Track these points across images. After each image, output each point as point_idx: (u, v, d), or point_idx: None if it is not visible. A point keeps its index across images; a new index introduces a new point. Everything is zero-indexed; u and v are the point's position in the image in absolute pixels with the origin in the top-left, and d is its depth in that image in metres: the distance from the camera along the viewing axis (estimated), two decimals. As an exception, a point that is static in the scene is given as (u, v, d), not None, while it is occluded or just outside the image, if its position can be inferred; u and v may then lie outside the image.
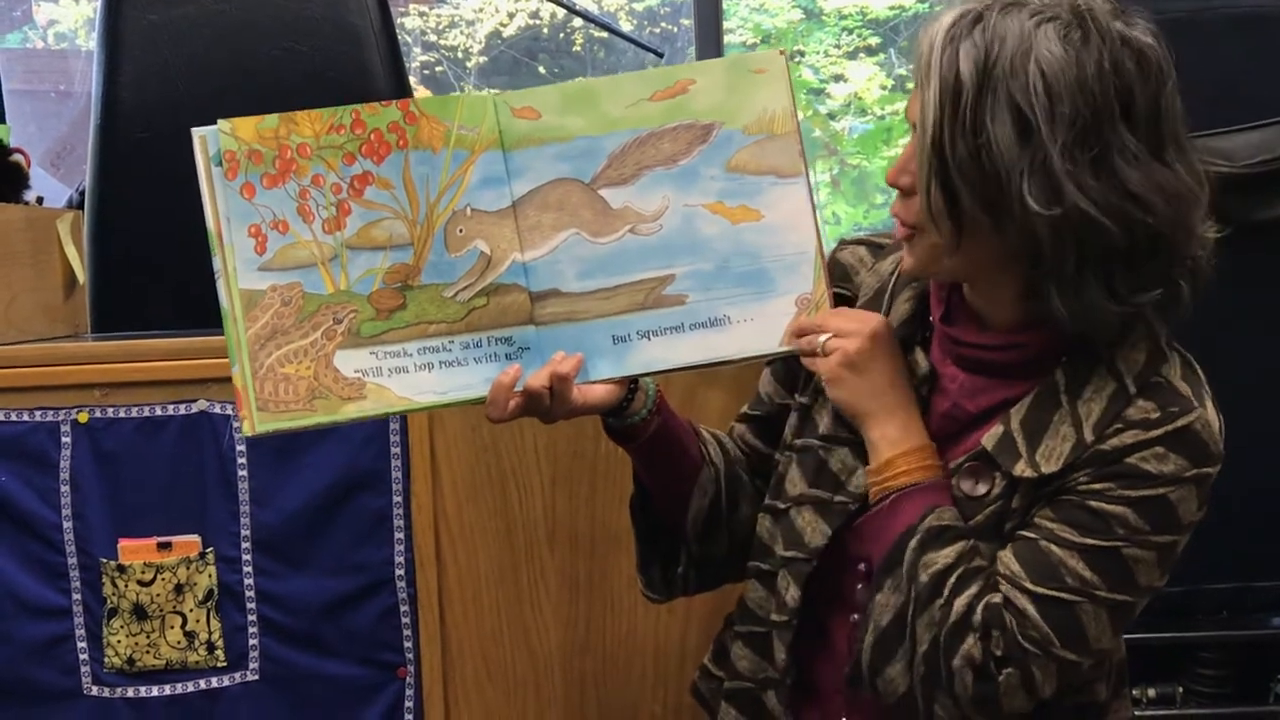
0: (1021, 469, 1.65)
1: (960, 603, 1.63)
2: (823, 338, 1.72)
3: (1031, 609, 1.62)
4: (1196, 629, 2.54)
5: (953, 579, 1.64)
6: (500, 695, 2.33)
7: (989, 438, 1.68)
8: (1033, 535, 1.64)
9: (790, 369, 1.89)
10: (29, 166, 2.70)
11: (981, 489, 1.69)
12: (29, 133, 4.53)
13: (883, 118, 5.64)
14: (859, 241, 1.90)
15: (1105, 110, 1.56)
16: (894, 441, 1.70)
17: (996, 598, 1.63)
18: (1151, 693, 2.56)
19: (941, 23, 1.60)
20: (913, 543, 1.66)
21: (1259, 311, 2.37)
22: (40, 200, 2.74)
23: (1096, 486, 1.62)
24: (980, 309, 1.73)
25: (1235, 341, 2.34)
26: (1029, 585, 1.62)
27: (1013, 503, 1.67)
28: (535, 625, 2.32)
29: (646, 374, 1.77)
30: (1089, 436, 1.63)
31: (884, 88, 5.61)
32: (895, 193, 1.70)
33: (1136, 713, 2.52)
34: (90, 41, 4.95)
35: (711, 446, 1.88)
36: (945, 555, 1.64)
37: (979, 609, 1.62)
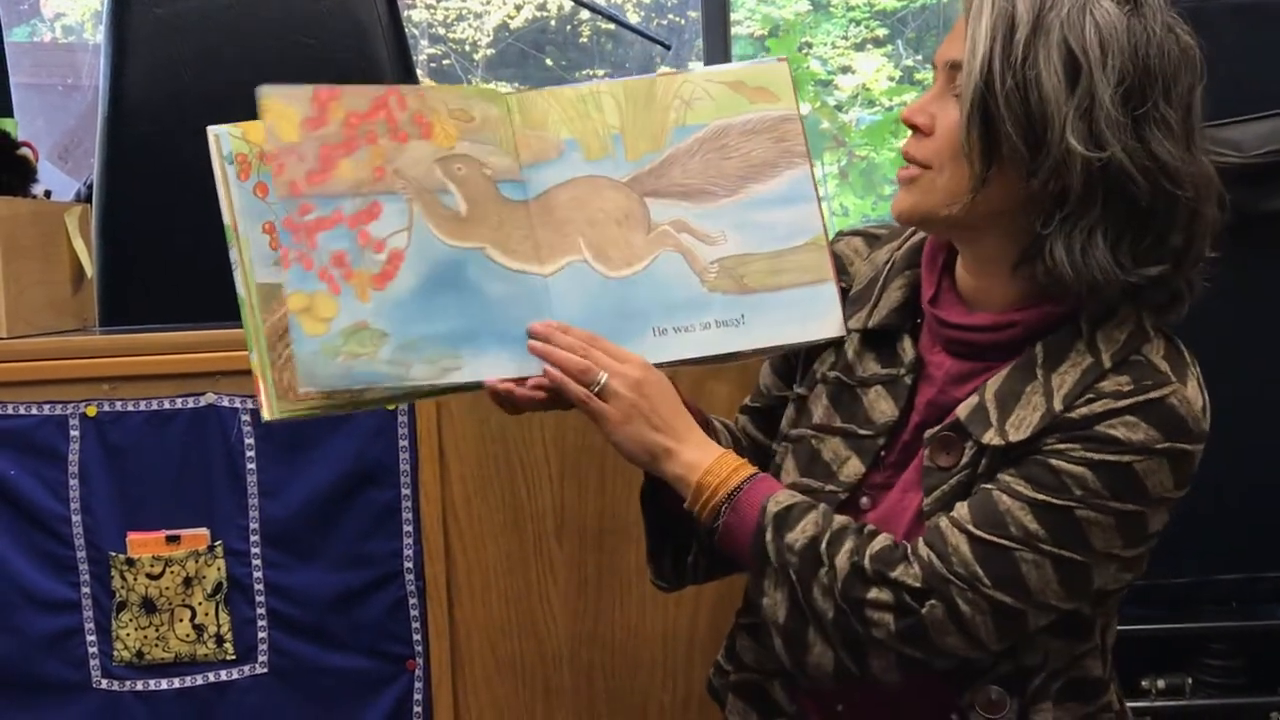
0: (990, 437, 1.65)
1: (842, 559, 1.63)
2: (601, 378, 1.69)
3: (965, 547, 1.61)
4: (1205, 620, 2.54)
5: (824, 545, 1.64)
6: (509, 687, 2.33)
7: (963, 408, 1.68)
8: (988, 486, 1.64)
9: (788, 362, 1.89)
10: (37, 160, 2.70)
11: (951, 459, 1.68)
12: (37, 126, 4.53)
13: (891, 109, 5.63)
14: (855, 233, 1.91)
15: (1151, 79, 1.59)
16: (694, 464, 1.70)
17: (878, 543, 1.63)
18: (1161, 683, 2.56)
19: None
20: (768, 535, 1.66)
21: (1266, 301, 2.37)
22: (48, 194, 2.73)
23: (1060, 447, 1.61)
24: (970, 288, 1.73)
25: (1243, 330, 2.34)
26: (969, 526, 1.62)
27: (979, 469, 1.66)
28: (544, 617, 2.32)
29: (658, 364, 1.77)
30: (1058, 406, 1.62)
31: (892, 79, 5.60)
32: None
33: (1146, 703, 2.53)
34: (98, 35, 4.94)
35: (722, 436, 1.88)
36: (804, 528, 1.65)
37: (866, 559, 1.62)
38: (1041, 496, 1.60)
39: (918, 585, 1.61)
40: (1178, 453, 1.61)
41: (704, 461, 1.70)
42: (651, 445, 1.70)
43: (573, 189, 1.73)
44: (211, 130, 1.70)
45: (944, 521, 1.63)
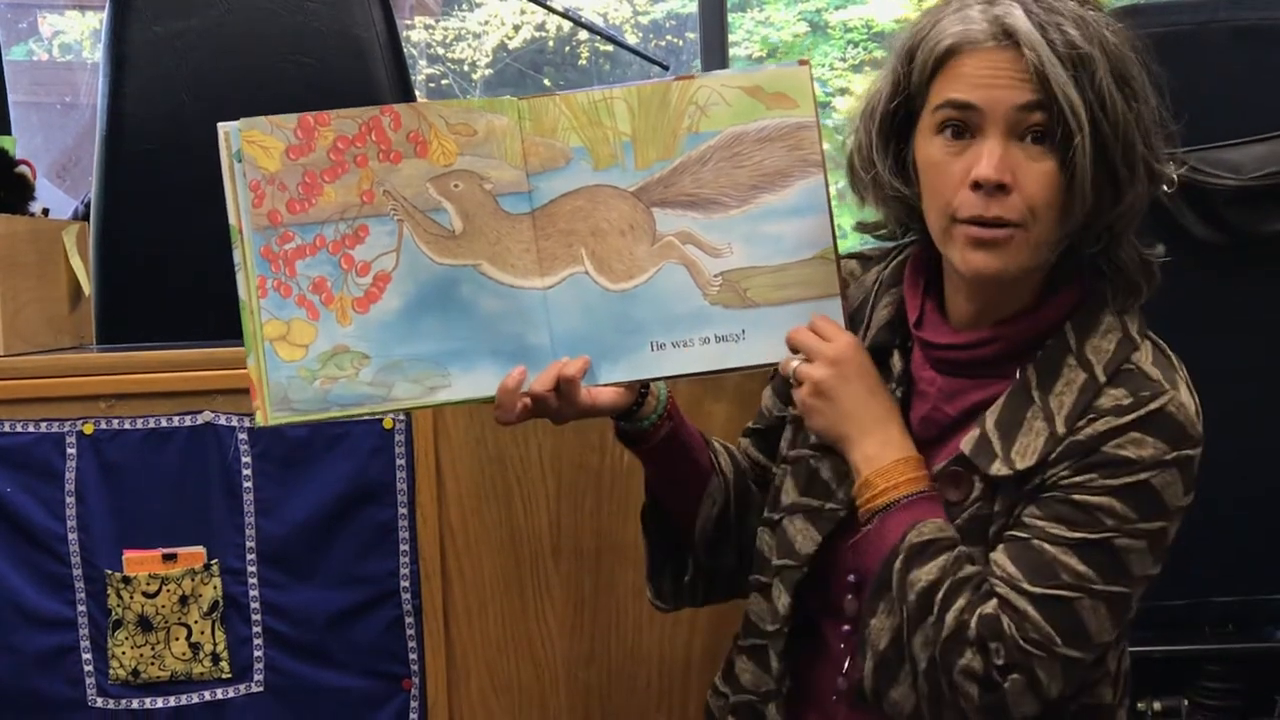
0: (998, 468, 1.65)
1: (951, 617, 1.61)
2: (794, 363, 1.72)
3: (1032, 610, 1.60)
4: (1202, 642, 2.53)
5: (940, 594, 1.62)
6: (505, 707, 2.33)
7: (966, 441, 1.68)
8: (1024, 535, 1.63)
9: (788, 383, 1.89)
10: (35, 178, 2.70)
11: (961, 493, 1.68)
12: (35, 144, 4.54)
13: (888, 130, 5.62)
14: (850, 255, 1.91)
15: (1139, 70, 1.63)
16: (871, 459, 1.69)
17: (989, 607, 1.62)
18: (1157, 705, 2.55)
19: (1015, 11, 1.60)
20: (897, 563, 1.65)
21: (1262, 323, 2.37)
22: (46, 212, 2.73)
23: (1078, 479, 1.61)
24: (961, 312, 1.73)
25: (1239, 353, 2.34)
26: (1027, 586, 1.61)
27: (994, 504, 1.66)
28: (540, 637, 2.32)
29: (653, 378, 1.77)
30: (1061, 429, 1.63)
31: (889, 100, 5.60)
32: None
33: (1142, 727, 2.53)
34: (96, 53, 4.95)
35: (722, 457, 1.88)
36: (929, 571, 1.63)
37: (973, 622, 1.61)
38: (1080, 535, 1.60)
39: (1001, 662, 1.61)
40: (1184, 460, 1.63)
41: (879, 460, 1.69)
42: (833, 429, 1.71)
43: (578, 199, 1.73)
44: (222, 127, 1.70)
45: (1001, 588, 1.62)
